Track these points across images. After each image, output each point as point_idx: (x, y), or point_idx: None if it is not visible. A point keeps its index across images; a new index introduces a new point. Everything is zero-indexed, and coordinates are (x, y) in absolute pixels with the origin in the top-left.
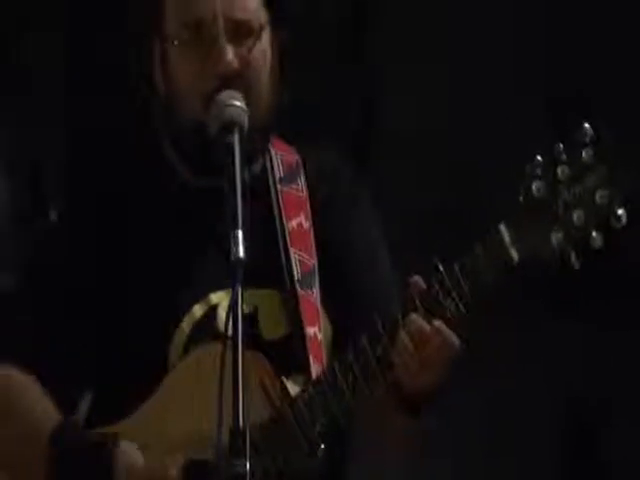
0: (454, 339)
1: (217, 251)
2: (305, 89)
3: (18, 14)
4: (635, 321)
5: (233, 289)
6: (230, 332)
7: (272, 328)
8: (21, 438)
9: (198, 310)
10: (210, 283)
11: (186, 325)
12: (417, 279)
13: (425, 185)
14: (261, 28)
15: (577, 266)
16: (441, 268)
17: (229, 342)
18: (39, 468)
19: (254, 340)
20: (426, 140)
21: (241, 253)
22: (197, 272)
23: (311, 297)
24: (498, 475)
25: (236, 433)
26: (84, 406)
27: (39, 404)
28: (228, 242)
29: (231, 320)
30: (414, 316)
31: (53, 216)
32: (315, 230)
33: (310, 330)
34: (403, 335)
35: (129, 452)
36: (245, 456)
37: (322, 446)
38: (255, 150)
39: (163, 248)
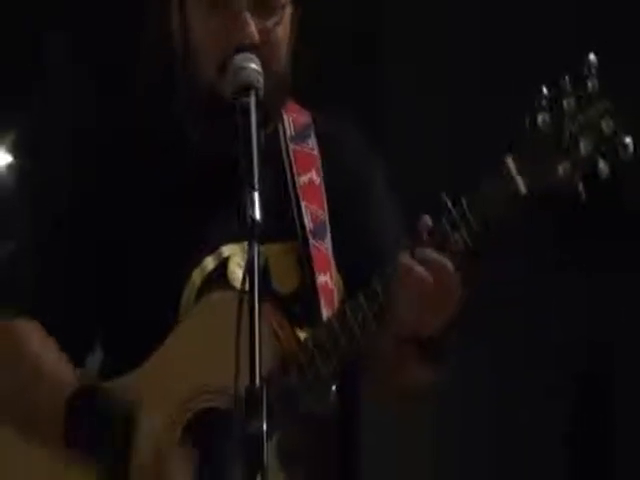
0: (454, 277)
1: (228, 204)
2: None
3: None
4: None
5: (250, 250)
6: (247, 289)
7: (284, 281)
8: (33, 390)
9: (209, 263)
10: (221, 236)
11: (197, 277)
12: (426, 217)
13: (427, 179)
14: (285, 3)
15: (584, 197)
16: (449, 203)
17: (243, 295)
18: (54, 432)
19: (266, 293)
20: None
21: (257, 215)
22: (208, 225)
23: (322, 248)
24: (507, 421)
25: (252, 393)
26: (94, 359)
27: (49, 353)
28: (240, 195)
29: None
30: (403, 255)
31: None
32: (326, 189)
33: (322, 278)
34: (395, 281)
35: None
36: (262, 416)
37: (334, 388)
38: (269, 117)
39: (174, 202)
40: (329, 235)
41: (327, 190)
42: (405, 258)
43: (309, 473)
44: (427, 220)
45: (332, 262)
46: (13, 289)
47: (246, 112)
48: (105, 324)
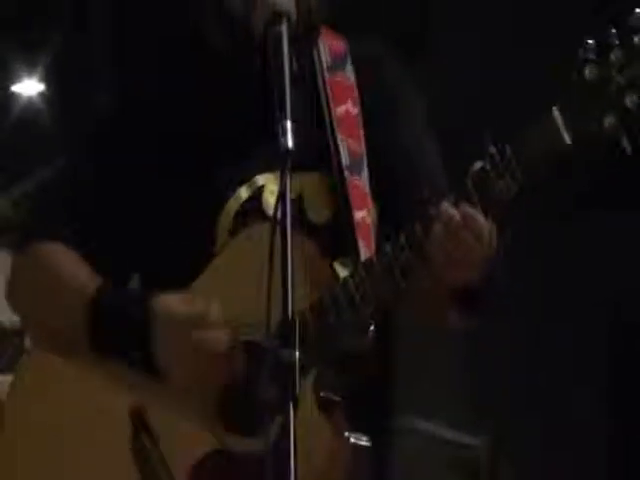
0: (491, 230)
1: (262, 133)
2: None
3: None
4: None
5: (281, 180)
6: (278, 219)
7: (318, 212)
8: (66, 300)
9: (244, 192)
10: (256, 165)
11: (231, 207)
12: (478, 163)
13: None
14: None
15: (629, 150)
16: (494, 151)
17: (276, 227)
18: (79, 338)
19: (301, 224)
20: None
21: (290, 144)
22: (243, 154)
23: (359, 182)
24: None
25: (285, 323)
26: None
27: (81, 272)
28: (274, 126)
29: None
30: (445, 205)
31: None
32: (362, 118)
33: (358, 214)
34: (436, 225)
35: (169, 300)
36: (294, 345)
37: (372, 327)
38: (304, 42)
39: (209, 130)
40: (366, 169)
41: (364, 115)
42: (448, 207)
43: (348, 411)
44: (476, 165)
45: (369, 197)
46: (49, 214)
47: (278, 40)
48: (142, 254)
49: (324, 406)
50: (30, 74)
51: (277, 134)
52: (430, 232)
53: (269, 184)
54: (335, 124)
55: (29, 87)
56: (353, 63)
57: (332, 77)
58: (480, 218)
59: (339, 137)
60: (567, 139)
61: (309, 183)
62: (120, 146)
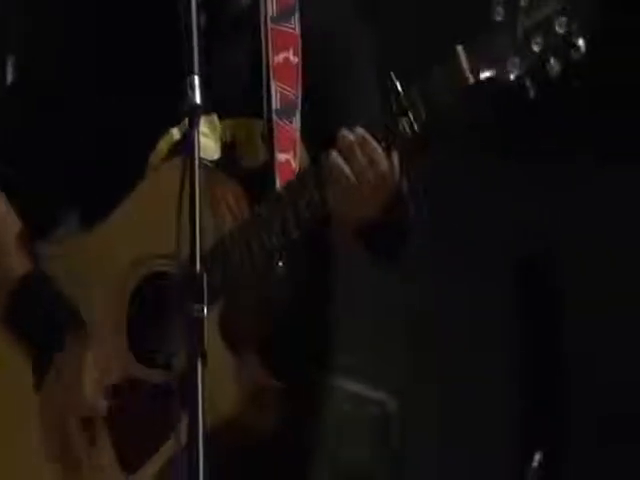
0: (382, 157)
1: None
2: None
3: None
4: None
5: (190, 133)
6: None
7: (250, 156)
8: None
9: (176, 133)
10: None
11: (163, 146)
12: None
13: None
14: None
15: (532, 94)
16: (398, 87)
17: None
18: None
19: (232, 167)
20: None
21: (197, 99)
22: (175, 95)
23: (289, 127)
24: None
25: (192, 275)
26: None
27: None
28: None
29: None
30: (342, 132)
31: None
32: (309, 63)
33: (282, 156)
34: (334, 154)
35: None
36: (203, 300)
37: (280, 263)
38: None
39: (142, 73)
40: (299, 115)
41: (309, 63)
42: (345, 132)
43: (262, 353)
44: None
45: (298, 142)
46: None
47: None
48: (77, 191)
49: (230, 341)
50: None
51: (185, 90)
52: (328, 157)
53: (202, 127)
54: (271, 70)
55: None
56: (301, 10)
57: (275, 26)
58: (374, 143)
59: (273, 83)
60: (470, 78)
61: (242, 128)
62: (45, 89)
